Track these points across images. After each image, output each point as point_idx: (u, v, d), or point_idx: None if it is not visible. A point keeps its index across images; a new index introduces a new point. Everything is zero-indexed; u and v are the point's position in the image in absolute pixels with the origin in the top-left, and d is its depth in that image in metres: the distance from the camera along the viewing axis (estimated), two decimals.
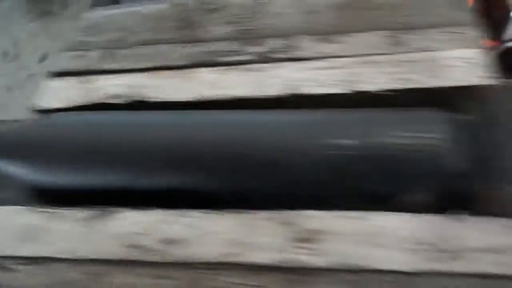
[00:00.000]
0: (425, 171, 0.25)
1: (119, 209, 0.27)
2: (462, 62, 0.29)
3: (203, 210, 0.26)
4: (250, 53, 0.32)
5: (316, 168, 0.25)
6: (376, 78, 0.29)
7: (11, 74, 0.98)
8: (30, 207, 0.29)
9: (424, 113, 0.27)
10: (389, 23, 0.32)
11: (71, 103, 0.32)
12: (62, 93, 0.33)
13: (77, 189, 0.29)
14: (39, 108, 0.33)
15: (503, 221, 0.24)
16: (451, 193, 0.25)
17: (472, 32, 0.31)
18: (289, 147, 0.26)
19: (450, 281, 0.23)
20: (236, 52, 0.33)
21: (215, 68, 0.32)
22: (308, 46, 0.32)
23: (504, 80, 0.27)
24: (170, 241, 0.25)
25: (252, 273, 0.24)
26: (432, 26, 0.31)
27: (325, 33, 0.32)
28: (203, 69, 0.32)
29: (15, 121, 0.32)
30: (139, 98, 0.31)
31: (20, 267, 0.26)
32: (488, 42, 1.47)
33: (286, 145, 0.26)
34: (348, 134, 0.26)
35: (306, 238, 0.25)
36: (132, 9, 0.37)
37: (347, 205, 0.26)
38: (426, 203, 0.26)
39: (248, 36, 0.33)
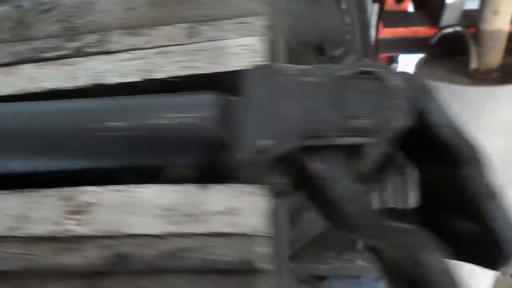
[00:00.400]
0: (188, 147, 0.29)
1: None
2: (242, 50, 0.32)
3: None
4: (69, 49, 0.35)
5: (90, 149, 0.29)
6: (167, 67, 0.33)
7: None
8: None
9: (197, 97, 0.30)
10: (191, 16, 0.35)
11: None
12: None
13: None
14: None
15: (239, 186, 0.27)
16: (209, 165, 0.29)
17: (259, 22, 0.34)
18: (66, 131, 0.29)
19: (190, 241, 0.26)
20: (57, 48, 0.36)
21: (36, 64, 0.35)
22: (118, 40, 0.35)
23: (263, 64, 0.30)
24: None
25: (28, 244, 0.27)
26: (227, 17, 0.34)
27: (135, 27, 0.35)
28: (27, 65, 0.35)
29: None
30: None
31: None
32: (426, 30, 1.51)
33: (63, 129, 0.29)
34: (121, 117, 0.29)
35: (78, 211, 0.28)
36: None
37: (122, 180, 0.29)
38: (190, 175, 0.29)
39: (71, 33, 0.36)
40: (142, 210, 0.27)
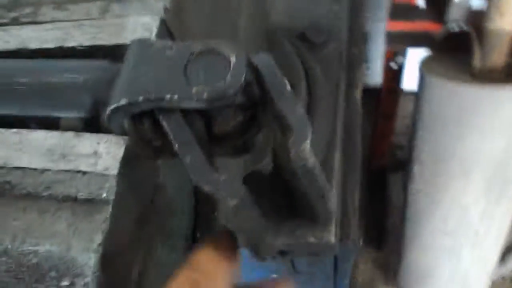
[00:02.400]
0: (77, 103, 0.35)
1: None
2: (139, 27, 0.38)
3: None
4: (8, 18, 0.42)
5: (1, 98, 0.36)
6: (78, 37, 0.39)
7: None
8: None
9: (91, 62, 0.37)
10: None
11: None
12: None
13: None
14: None
15: (106, 136, 0.33)
16: (93, 119, 0.35)
17: (159, 4, 0.40)
18: None
19: (59, 176, 0.33)
20: (0, 17, 0.43)
21: None
22: (46, 12, 0.42)
23: (140, 38, 0.36)
24: None
25: None
26: None
27: (61, 3, 0.42)
28: None
29: None
30: None
31: None
32: (433, 25, 1.52)
33: None
34: (28, 74, 0.36)
35: None
36: None
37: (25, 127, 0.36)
38: (78, 126, 0.35)
39: (12, 5, 0.43)
40: (30, 149, 0.34)
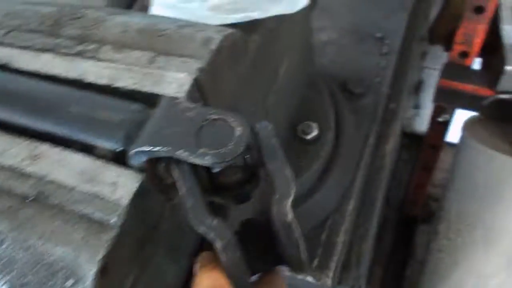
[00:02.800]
0: (111, 137, 0.43)
1: None
2: (174, 81, 0.46)
3: None
4: (76, 50, 0.51)
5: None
6: (126, 80, 0.47)
7: None
8: None
9: (130, 104, 0.45)
10: (158, 48, 0.49)
11: None
12: None
13: None
14: None
15: (127, 171, 0.41)
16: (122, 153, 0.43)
17: (195, 64, 0.47)
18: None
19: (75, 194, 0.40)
20: (70, 48, 0.52)
21: (52, 54, 0.51)
22: (106, 52, 0.50)
23: (171, 96, 0.43)
24: None
25: None
26: (178, 55, 0.48)
27: (120, 47, 0.50)
28: (47, 54, 0.52)
29: None
30: None
31: None
32: (483, 90, 1.53)
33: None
34: (75, 104, 0.44)
35: None
36: None
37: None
38: (110, 156, 0.43)
39: (82, 39, 0.52)
40: (67, 167, 0.42)
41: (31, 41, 0.52)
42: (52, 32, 0.54)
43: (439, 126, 1.58)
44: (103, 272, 0.37)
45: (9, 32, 0.55)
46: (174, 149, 0.38)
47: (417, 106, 2.20)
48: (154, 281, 0.46)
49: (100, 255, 0.37)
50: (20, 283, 0.39)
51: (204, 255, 0.42)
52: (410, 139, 2.11)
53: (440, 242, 1.32)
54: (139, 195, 0.40)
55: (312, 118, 0.88)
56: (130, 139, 0.42)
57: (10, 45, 0.53)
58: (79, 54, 0.50)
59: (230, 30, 0.50)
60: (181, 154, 0.38)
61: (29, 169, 0.43)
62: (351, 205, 0.91)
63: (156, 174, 0.41)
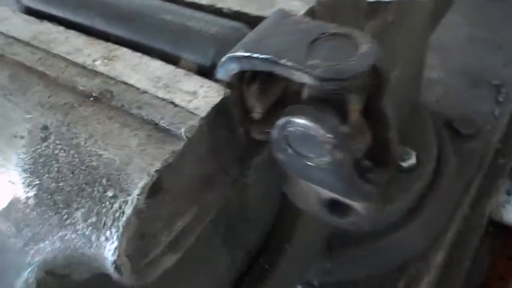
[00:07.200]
0: (199, 49, 0.36)
1: None
2: (287, 7, 0.38)
3: None
4: None
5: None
6: (231, 3, 0.40)
7: None
8: None
9: (227, 21, 0.37)
10: None
11: None
12: None
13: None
14: None
15: (212, 83, 0.33)
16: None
17: None
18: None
19: (151, 99, 0.33)
20: None
21: None
22: None
23: (281, 8, 0.35)
24: None
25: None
26: None
27: None
28: None
29: None
30: None
31: None
32: None
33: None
34: (172, 13, 0.38)
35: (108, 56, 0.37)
36: None
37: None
38: (194, 68, 0.36)
39: None
40: (142, 71, 0.35)
41: None
42: None
43: None
44: (154, 189, 0.28)
45: None
46: (276, 57, 0.30)
47: (510, 192, 1.97)
48: (196, 254, 0.37)
49: (156, 166, 0.28)
50: (52, 187, 0.31)
51: None
52: (497, 228, 1.88)
53: None
54: (218, 113, 0.31)
55: (411, 145, 0.76)
56: (220, 55, 0.34)
57: None
58: None
59: None
60: (286, 63, 0.29)
61: (101, 68, 0.36)
62: (440, 256, 0.76)
63: (243, 96, 0.33)
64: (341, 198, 0.35)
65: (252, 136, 0.36)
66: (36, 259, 0.32)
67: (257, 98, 0.33)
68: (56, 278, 0.33)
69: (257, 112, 0.34)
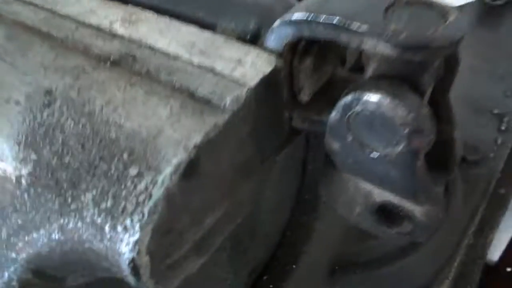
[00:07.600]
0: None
1: None
2: None
3: None
4: None
5: None
6: None
7: None
8: None
9: None
10: None
11: None
12: None
13: None
14: None
15: (259, 50, 0.27)
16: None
17: None
18: None
19: (187, 67, 0.27)
20: None
21: None
22: None
23: None
24: None
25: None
26: None
27: None
28: None
29: None
30: None
31: None
32: None
33: None
34: None
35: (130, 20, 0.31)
36: None
37: None
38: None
39: None
40: (172, 36, 0.29)
41: None
42: None
43: None
44: (190, 170, 0.22)
45: None
46: (347, 21, 0.25)
47: None
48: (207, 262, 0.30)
49: (194, 140, 0.22)
50: (54, 163, 0.25)
51: None
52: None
53: None
54: (269, 84, 0.26)
55: None
56: (266, 23, 0.29)
57: None
58: None
59: None
60: (359, 28, 0.24)
61: (121, 30, 0.30)
62: (445, 286, 0.71)
63: (293, 75, 0.28)
64: (398, 202, 0.30)
65: (293, 123, 0.30)
66: (24, 255, 0.25)
67: (309, 76, 0.28)
68: (46, 282, 0.26)
69: (306, 94, 0.29)
